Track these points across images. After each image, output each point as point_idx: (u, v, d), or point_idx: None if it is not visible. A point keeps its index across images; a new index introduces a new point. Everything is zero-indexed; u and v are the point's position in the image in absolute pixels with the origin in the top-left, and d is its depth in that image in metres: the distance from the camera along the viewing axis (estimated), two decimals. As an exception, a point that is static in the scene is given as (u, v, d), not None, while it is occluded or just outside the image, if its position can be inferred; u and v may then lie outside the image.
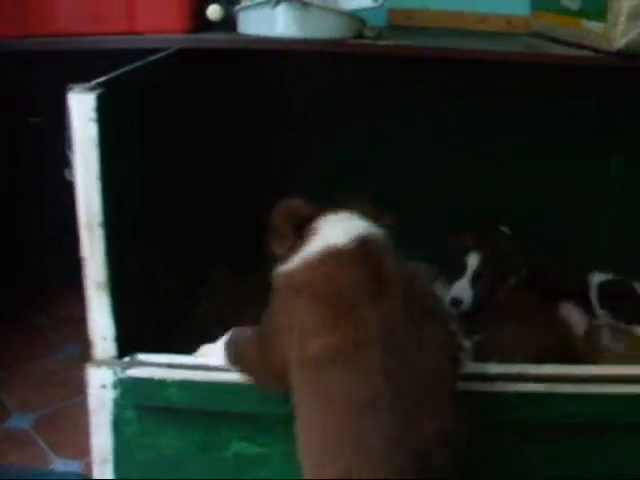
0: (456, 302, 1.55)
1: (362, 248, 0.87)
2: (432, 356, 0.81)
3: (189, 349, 1.11)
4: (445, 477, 0.76)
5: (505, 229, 1.72)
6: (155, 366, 1.04)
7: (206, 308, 1.45)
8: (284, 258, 0.91)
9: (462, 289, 1.56)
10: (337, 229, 0.90)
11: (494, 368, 1.07)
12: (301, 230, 0.93)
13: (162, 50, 1.33)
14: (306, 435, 0.81)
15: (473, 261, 1.57)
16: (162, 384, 1.02)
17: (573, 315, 1.64)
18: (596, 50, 1.37)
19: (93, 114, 0.94)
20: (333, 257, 0.86)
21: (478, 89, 1.64)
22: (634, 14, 1.31)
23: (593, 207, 1.80)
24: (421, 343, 0.81)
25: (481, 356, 1.44)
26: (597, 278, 1.69)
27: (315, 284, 0.84)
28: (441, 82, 1.62)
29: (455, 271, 1.59)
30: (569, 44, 1.46)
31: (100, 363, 1.03)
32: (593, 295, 1.66)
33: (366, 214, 1.08)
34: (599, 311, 1.64)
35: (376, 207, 1.18)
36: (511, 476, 1.06)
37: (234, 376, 1.01)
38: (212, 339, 1.09)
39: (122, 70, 1.07)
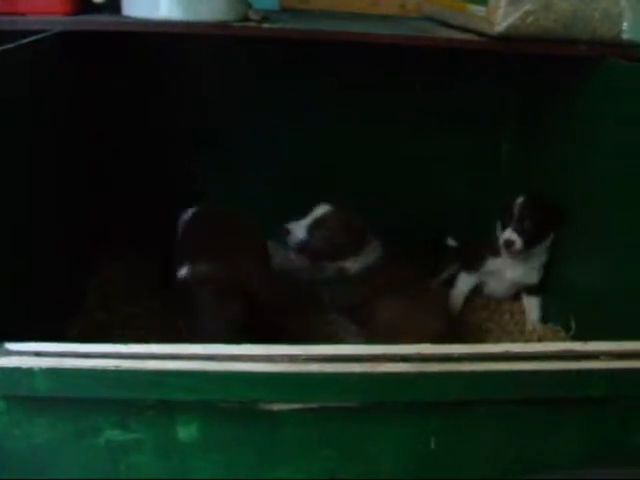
0: None
1: None
2: None
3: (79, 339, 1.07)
4: None
5: None
6: (22, 355, 1.01)
7: (97, 296, 1.43)
8: None
9: None
10: None
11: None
12: None
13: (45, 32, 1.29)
14: None
15: None
16: (29, 373, 0.99)
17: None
18: (480, 34, 1.39)
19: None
20: None
21: (368, 72, 1.65)
22: (514, -1, 1.34)
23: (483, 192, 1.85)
24: None
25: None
26: None
27: None
28: (332, 65, 1.61)
29: None
30: (457, 28, 1.48)
31: (-36, 353, 0.99)
32: None
33: None
34: None
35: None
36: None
37: (103, 362, 0.98)
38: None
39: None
